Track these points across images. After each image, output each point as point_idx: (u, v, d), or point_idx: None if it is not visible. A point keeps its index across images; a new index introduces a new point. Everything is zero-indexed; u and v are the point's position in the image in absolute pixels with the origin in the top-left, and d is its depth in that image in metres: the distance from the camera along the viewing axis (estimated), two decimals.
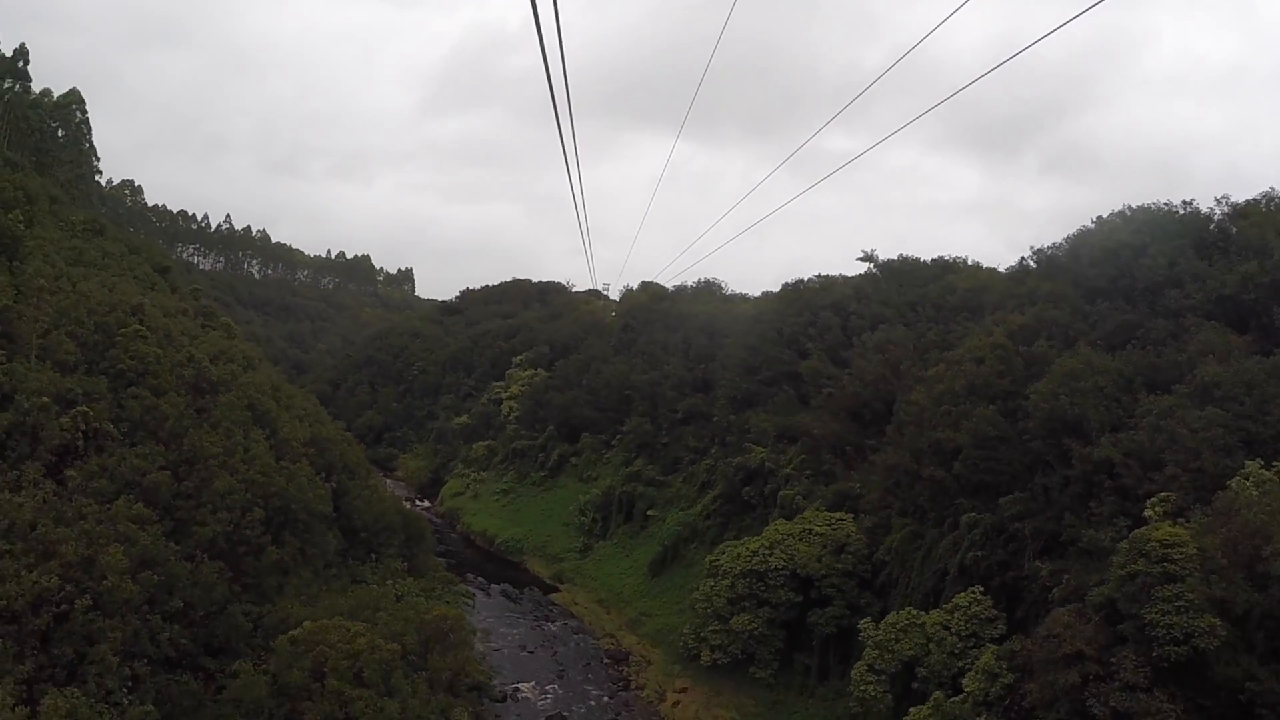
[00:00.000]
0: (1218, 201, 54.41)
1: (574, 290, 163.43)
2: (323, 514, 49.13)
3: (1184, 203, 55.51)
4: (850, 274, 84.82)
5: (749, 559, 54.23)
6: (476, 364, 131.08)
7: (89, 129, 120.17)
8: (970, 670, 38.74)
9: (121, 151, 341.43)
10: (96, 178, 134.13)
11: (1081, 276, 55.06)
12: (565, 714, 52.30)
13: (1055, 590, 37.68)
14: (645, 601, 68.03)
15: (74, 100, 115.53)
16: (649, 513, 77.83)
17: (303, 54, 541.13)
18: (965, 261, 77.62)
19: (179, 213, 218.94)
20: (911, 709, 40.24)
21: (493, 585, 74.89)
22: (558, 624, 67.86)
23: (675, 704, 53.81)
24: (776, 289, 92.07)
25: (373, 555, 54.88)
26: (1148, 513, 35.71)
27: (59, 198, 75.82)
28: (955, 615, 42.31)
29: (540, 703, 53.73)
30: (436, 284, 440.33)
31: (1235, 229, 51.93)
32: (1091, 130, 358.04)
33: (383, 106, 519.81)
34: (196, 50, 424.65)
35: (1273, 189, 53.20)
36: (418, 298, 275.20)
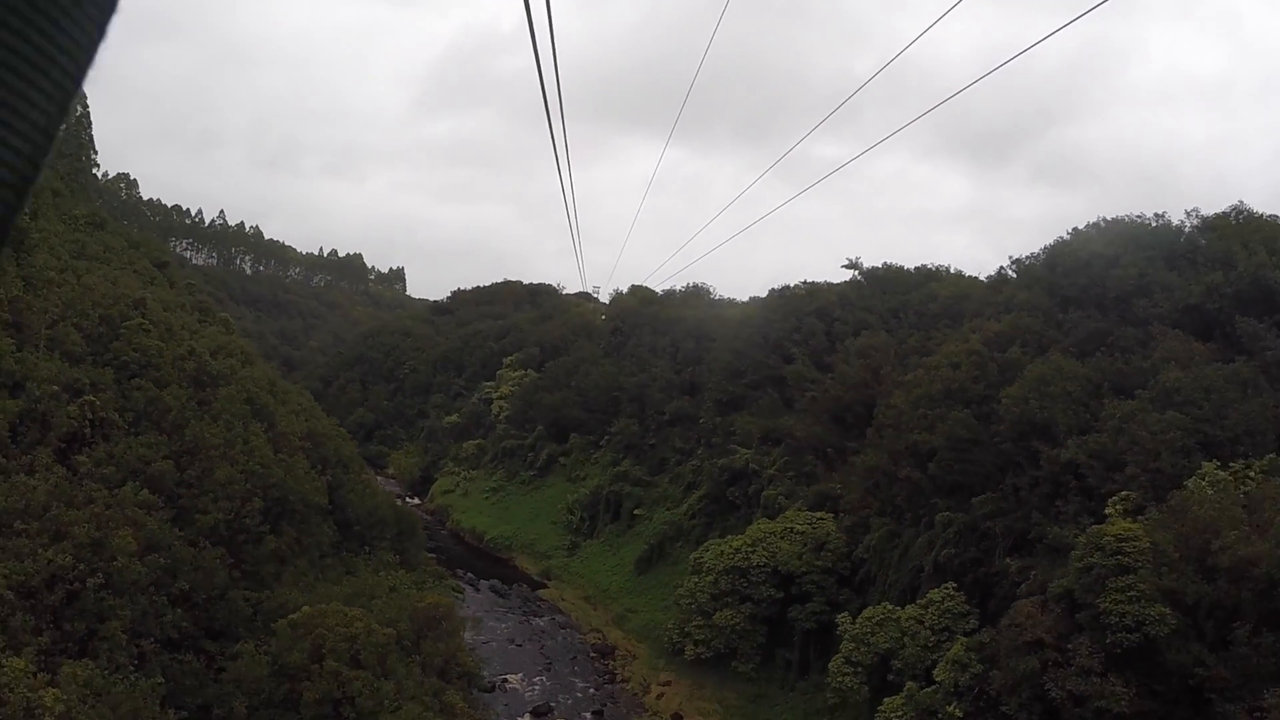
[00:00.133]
0: (1188, 214, 56.48)
1: (564, 293, 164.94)
2: (319, 506, 50.66)
3: (1156, 215, 57.40)
4: (836, 281, 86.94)
5: (732, 556, 55.78)
6: (467, 364, 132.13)
7: (89, 122, 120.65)
8: (941, 661, 40.51)
9: (115, 144, 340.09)
10: (94, 171, 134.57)
11: (1057, 286, 56.85)
12: (552, 704, 53.65)
13: (1023, 585, 39.40)
14: (631, 598, 69.40)
15: None
16: (636, 512, 79.12)
17: (297, 50, 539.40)
18: (948, 270, 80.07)
19: (173, 207, 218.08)
20: (886, 700, 41.81)
21: (482, 581, 75.95)
22: (545, 619, 69.05)
23: (660, 696, 55.23)
24: (765, 294, 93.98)
25: (366, 548, 56.36)
26: (1108, 511, 37.50)
27: (61, 191, 76.76)
28: (929, 610, 43.94)
29: (528, 694, 55.00)
30: (427, 284, 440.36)
31: (1204, 241, 53.91)
32: (1080, 140, 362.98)
33: (376, 105, 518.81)
34: (190, 44, 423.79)
35: (1241, 202, 55.17)
36: (409, 297, 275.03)
